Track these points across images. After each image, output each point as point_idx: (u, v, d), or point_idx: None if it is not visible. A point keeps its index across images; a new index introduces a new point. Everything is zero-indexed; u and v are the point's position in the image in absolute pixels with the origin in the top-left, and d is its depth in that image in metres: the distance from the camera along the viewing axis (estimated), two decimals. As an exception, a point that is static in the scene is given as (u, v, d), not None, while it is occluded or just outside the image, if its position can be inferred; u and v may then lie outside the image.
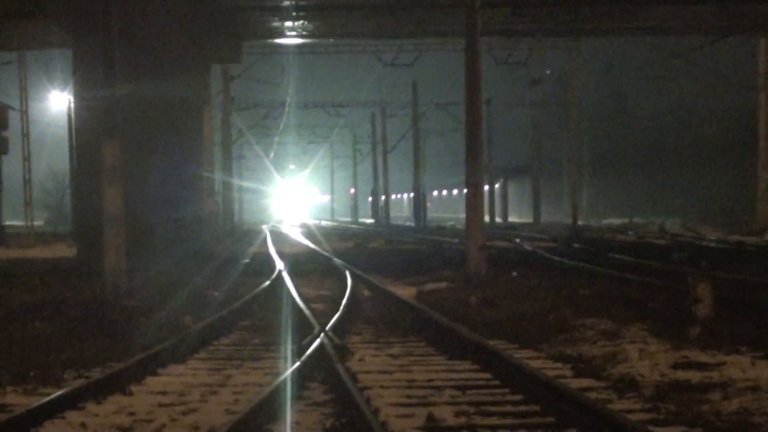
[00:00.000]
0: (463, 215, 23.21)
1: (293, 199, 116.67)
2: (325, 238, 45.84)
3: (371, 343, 12.55)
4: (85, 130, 25.86)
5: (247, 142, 77.04)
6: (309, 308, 14.71)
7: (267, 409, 8.10)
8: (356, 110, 76.45)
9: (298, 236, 50.19)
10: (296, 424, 7.99)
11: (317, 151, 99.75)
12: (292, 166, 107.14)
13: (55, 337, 12.61)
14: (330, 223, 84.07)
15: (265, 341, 12.95)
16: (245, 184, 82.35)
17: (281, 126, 67.77)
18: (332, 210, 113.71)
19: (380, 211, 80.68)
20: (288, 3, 36.22)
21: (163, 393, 9.33)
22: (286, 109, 61.48)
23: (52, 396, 8.51)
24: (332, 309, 15.46)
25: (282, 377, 9.04)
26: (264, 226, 68.05)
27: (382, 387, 9.35)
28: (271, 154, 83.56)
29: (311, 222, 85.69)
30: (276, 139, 76.58)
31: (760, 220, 47.26)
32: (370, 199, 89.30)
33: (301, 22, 39.58)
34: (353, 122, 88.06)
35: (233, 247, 38.27)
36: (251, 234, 53.39)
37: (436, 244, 36.64)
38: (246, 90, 61.57)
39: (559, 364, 10.49)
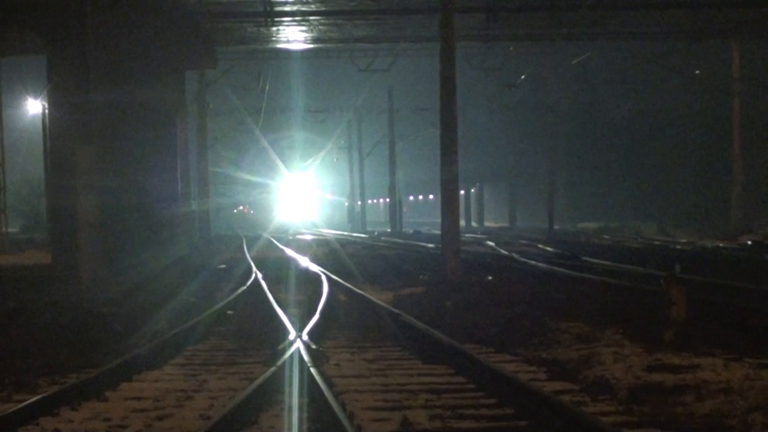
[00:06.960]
0: (439, 220, 23.24)
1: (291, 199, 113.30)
2: (300, 245, 45.83)
3: (347, 348, 12.56)
4: (60, 136, 25.70)
5: (220, 149, 76.29)
6: (285, 313, 14.70)
7: (242, 414, 8.10)
8: (333, 115, 76.33)
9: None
10: (271, 428, 8.00)
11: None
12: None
13: (30, 344, 12.56)
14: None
15: (240, 346, 12.93)
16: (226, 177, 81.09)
17: (257, 131, 67.48)
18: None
19: (356, 216, 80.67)
20: (263, 9, 36.22)
21: (138, 399, 9.31)
22: (262, 114, 61.31)
23: (26, 402, 8.48)
24: (308, 314, 15.44)
25: (257, 382, 9.05)
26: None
27: (357, 391, 9.36)
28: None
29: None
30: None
31: (735, 224, 47.53)
32: (346, 203, 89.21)
33: (276, 28, 39.60)
34: (329, 127, 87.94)
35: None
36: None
37: (412, 249, 36.71)
38: (223, 95, 61.43)
39: (534, 368, 10.52)
